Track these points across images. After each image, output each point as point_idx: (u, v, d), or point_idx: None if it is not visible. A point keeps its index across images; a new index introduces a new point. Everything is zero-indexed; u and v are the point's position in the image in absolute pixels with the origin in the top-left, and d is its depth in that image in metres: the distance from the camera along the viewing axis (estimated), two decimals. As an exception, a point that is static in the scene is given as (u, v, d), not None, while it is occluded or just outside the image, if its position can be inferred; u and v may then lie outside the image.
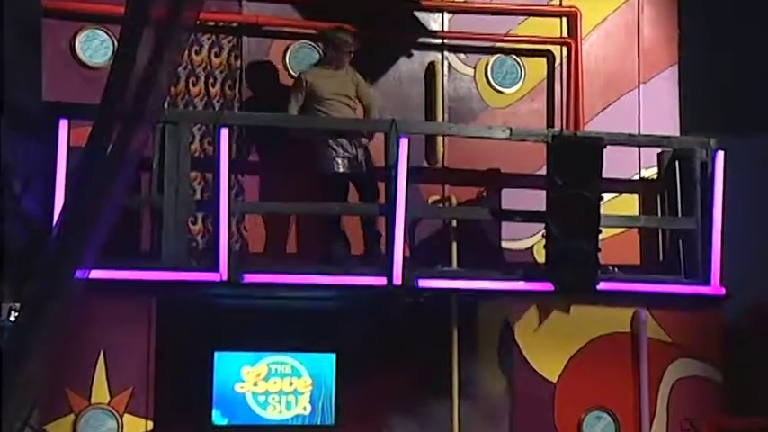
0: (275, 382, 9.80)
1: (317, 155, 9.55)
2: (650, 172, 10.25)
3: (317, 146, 9.55)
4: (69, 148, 8.59)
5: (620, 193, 10.15)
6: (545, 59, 10.52)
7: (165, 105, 9.02)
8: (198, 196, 9.47)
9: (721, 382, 9.69)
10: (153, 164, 9.04)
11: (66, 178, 8.55)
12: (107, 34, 9.53)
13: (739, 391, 9.62)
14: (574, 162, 9.31)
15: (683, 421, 9.58)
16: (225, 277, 8.96)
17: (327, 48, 9.76)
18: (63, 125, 8.66)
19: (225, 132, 9.07)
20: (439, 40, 10.32)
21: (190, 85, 9.73)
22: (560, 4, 10.52)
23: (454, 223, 9.98)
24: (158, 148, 9.01)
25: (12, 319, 7.95)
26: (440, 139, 10.09)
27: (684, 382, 9.67)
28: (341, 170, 9.49)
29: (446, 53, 10.33)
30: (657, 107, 10.39)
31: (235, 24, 9.93)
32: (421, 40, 10.28)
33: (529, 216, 9.76)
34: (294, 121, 9.71)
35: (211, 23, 9.78)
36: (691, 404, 9.63)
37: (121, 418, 8.84)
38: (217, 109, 9.70)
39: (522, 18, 10.46)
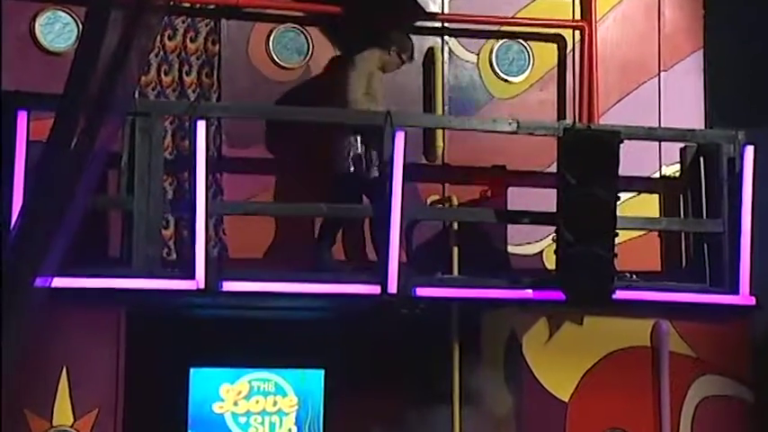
0: (257, 402, 9.86)
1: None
2: (672, 169, 10.33)
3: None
4: (29, 142, 8.60)
5: (639, 192, 10.23)
6: (555, 45, 10.62)
7: (136, 95, 9.08)
8: (170, 197, 9.55)
9: (751, 402, 9.74)
10: (122, 161, 9.08)
11: (25, 175, 8.54)
12: (71, 16, 9.67)
13: None
14: (587, 158, 9.30)
15: None
16: (202, 285, 8.98)
17: (390, 50, 9.82)
18: (22, 117, 8.66)
19: (202, 125, 9.09)
20: (438, 24, 10.40)
21: (162, 73, 9.79)
22: (573, -17, 10.67)
23: (455, 226, 10.03)
24: (128, 144, 9.06)
25: None
26: (439, 132, 10.19)
27: (710, 401, 9.69)
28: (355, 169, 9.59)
29: (446, 38, 10.42)
30: (680, 97, 10.52)
31: (212, 6, 9.99)
32: (419, 23, 10.34)
33: (538, 218, 9.77)
34: (278, 112, 9.80)
35: (186, 5, 9.86)
36: (717, 426, 9.65)
37: None
38: (192, 99, 9.73)
39: (530, -1, 10.58)
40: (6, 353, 7.34)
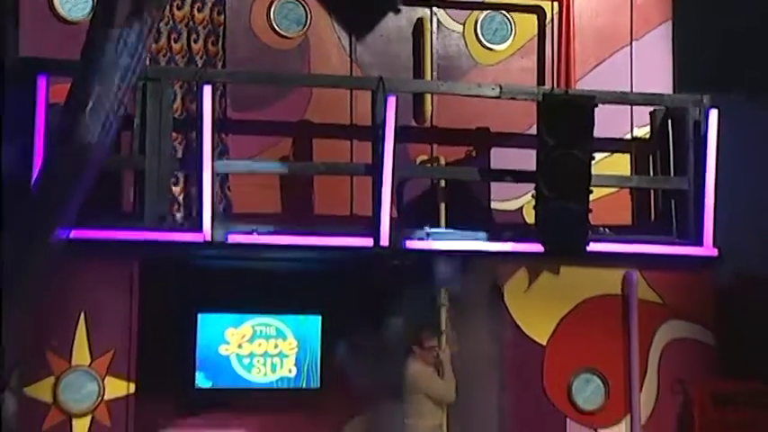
0: (260, 344, 9.89)
1: None
2: (642, 131, 10.32)
3: None
4: (48, 105, 8.60)
5: (612, 152, 10.22)
6: (536, 15, 10.54)
7: (147, 62, 8.97)
8: (180, 156, 9.48)
9: (713, 345, 9.77)
10: (134, 123, 9.05)
11: (45, 135, 8.56)
12: (87, -12, 9.57)
13: (731, 353, 9.70)
14: (565, 121, 9.33)
15: (674, 384, 9.65)
16: (208, 238, 9.02)
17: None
18: (42, 81, 8.66)
19: (208, 89, 9.12)
20: (428, -4, 10.34)
21: (172, 41, 9.74)
22: (551, -42, 10.55)
23: (442, 183, 10.02)
24: (140, 107, 9.03)
25: None
26: (428, 97, 10.14)
27: (675, 344, 9.74)
28: None
29: (435, 9, 10.33)
30: (650, 65, 10.43)
31: (218, -22, 9.96)
32: (409, -4, 10.32)
33: (518, 176, 9.80)
34: (278, 78, 9.77)
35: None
36: (682, 366, 9.69)
37: (103, 381, 8.87)
38: (199, 66, 9.69)
39: (511, -28, 10.49)
40: (28, 300, 7.43)
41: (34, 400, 8.70)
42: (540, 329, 9.60)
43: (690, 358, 9.69)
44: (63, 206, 7.34)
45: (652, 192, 10.15)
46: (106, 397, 8.86)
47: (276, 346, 9.91)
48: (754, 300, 10.01)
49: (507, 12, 10.45)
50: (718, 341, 9.75)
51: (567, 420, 9.56)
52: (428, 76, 10.14)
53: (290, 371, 9.93)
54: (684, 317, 9.75)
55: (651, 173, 10.13)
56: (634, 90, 10.24)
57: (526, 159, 9.62)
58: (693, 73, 10.32)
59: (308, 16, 10.10)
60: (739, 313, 9.89)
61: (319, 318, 9.97)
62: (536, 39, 10.46)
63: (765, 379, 9.41)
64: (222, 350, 9.82)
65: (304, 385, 9.95)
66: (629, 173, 10.24)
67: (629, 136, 10.29)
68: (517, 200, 10.12)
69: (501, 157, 10.07)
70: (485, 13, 10.42)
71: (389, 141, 9.24)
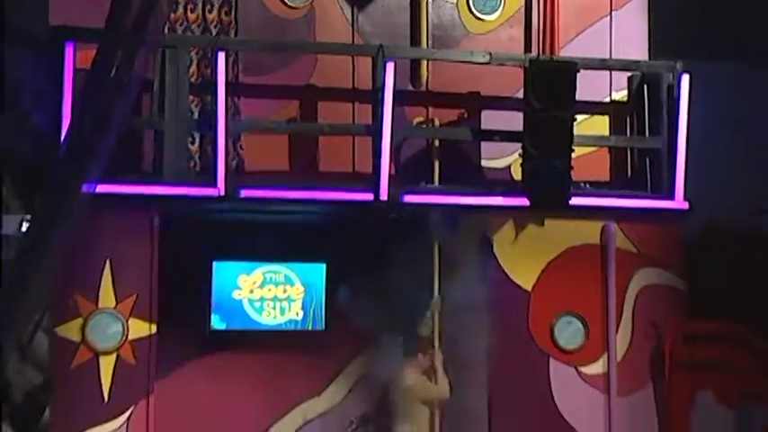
0: (270, 290, 9.88)
1: None
2: (620, 94, 10.26)
3: None
4: (76, 70, 8.60)
5: (592, 114, 10.16)
6: (523, -12, 10.45)
7: (166, 30, 9.05)
8: (196, 117, 9.45)
9: (683, 290, 9.81)
10: (154, 86, 9.06)
11: (72, 98, 8.57)
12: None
13: (700, 298, 9.73)
14: (549, 85, 9.34)
15: (647, 325, 9.71)
16: (222, 192, 9.05)
17: None
18: (69, 48, 8.67)
19: (222, 56, 9.12)
20: (424, -31, 10.25)
21: (188, 11, 9.64)
22: (536, -67, 10.39)
23: (437, 143, 9.99)
24: (159, 72, 9.03)
25: (23, 229, 7.99)
26: (424, 63, 10.04)
27: (649, 289, 9.79)
28: None
29: (430, -18, 10.27)
30: (628, 33, 10.33)
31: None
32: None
33: (507, 136, 9.79)
34: (285, 46, 9.74)
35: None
36: (654, 310, 9.75)
37: (127, 321, 8.95)
38: (214, 34, 9.64)
39: (499, -53, 10.37)
40: (59, 248, 7.50)
41: (64, 338, 8.78)
42: (525, 276, 9.66)
43: (662, 302, 9.75)
44: (89, 163, 7.36)
45: (628, 150, 10.14)
46: (130, 337, 8.94)
47: (284, 291, 9.90)
48: (722, 248, 9.95)
49: (497, -16, 10.36)
50: (688, 286, 9.79)
51: (550, 359, 9.62)
52: (424, 44, 10.05)
53: (297, 314, 9.93)
54: (657, 264, 9.79)
55: (628, 133, 10.13)
56: (613, 57, 10.15)
57: (514, 121, 9.63)
58: (668, 41, 10.19)
59: (315, -13, 10.00)
60: (707, 261, 9.83)
61: (324, 265, 9.93)
62: (523, 10, 10.34)
63: (732, 319, 9.45)
64: (235, 295, 9.80)
65: (310, 327, 9.93)
66: (607, 133, 10.21)
67: (608, 99, 10.24)
68: (505, 158, 10.08)
69: (491, 119, 10.04)
70: (476, -15, 10.34)
71: (388, 104, 9.26)
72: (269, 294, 9.88)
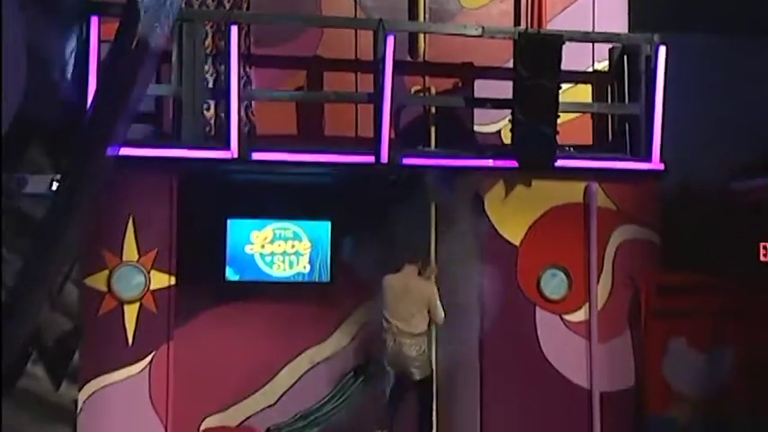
0: (279, 245, 9.96)
1: None
2: (602, 65, 10.25)
3: None
4: (100, 42, 8.61)
5: (576, 83, 10.15)
6: (513, -34, 10.37)
7: (183, 5, 8.97)
8: (211, 86, 9.45)
9: (659, 245, 9.82)
10: (172, 57, 9.06)
11: (97, 68, 8.59)
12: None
13: (674, 252, 9.73)
14: (537, 56, 9.36)
15: (626, 278, 9.73)
16: (235, 155, 9.09)
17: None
18: (94, 21, 8.69)
19: (234, 29, 9.13)
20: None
21: None
22: None
23: (433, 110, 10.01)
24: (177, 44, 9.04)
25: (53, 188, 8.05)
26: (421, 36, 10.05)
27: (627, 244, 9.80)
28: None
29: (428, -39, 10.19)
30: (609, 8, 10.28)
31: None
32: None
33: (497, 103, 9.80)
34: (293, 19, 9.73)
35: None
36: (632, 263, 9.76)
37: (149, 273, 9.02)
38: (227, 8, 9.60)
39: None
40: (86, 206, 7.57)
41: (92, 289, 8.86)
42: (514, 232, 9.68)
43: (639, 256, 9.76)
44: (113, 128, 7.38)
45: (609, 116, 10.12)
46: (152, 287, 9.01)
47: (293, 246, 9.97)
48: (695, 206, 9.95)
49: (489, -37, 10.28)
50: (663, 241, 9.79)
51: (536, 308, 9.66)
52: (421, 18, 10.04)
53: (304, 267, 10.00)
54: (635, 221, 9.81)
55: (609, 100, 10.12)
56: (595, 30, 10.13)
57: (504, 89, 9.63)
58: (646, 15, 10.16)
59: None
60: (681, 218, 9.84)
61: (329, 223, 10.01)
62: (513, -15, 10.29)
63: (703, 272, 9.46)
64: (248, 249, 9.89)
65: (316, 279, 10.02)
66: (590, 100, 10.20)
67: (590, 69, 10.22)
68: (496, 123, 10.07)
69: (483, 87, 10.04)
70: (470, -36, 10.26)
71: (388, 74, 9.27)
72: (278, 249, 9.96)
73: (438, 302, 9.27)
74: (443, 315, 9.31)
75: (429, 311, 9.26)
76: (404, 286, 9.28)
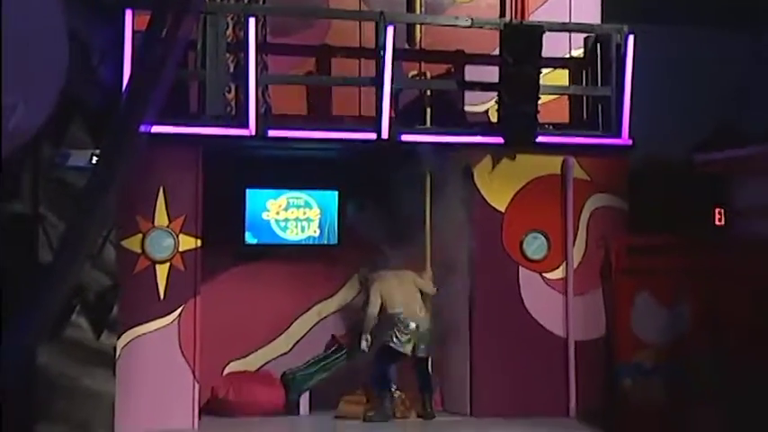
0: (292, 212, 10.03)
1: None
2: (578, 52, 10.19)
3: None
4: (134, 32, 8.61)
5: (555, 68, 10.11)
6: (498, -37, 10.30)
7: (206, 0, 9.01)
8: (231, 71, 9.40)
9: (626, 209, 9.85)
10: (197, 46, 9.05)
11: (131, 55, 8.60)
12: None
13: (641, 217, 9.76)
14: (520, 44, 9.37)
15: (598, 240, 9.76)
16: (253, 132, 9.11)
17: None
18: (128, 13, 8.70)
19: (252, 21, 9.14)
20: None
21: None
22: None
23: (428, 92, 9.99)
24: (201, 34, 9.02)
25: (94, 161, 8.08)
26: (418, 26, 10.02)
27: (599, 210, 9.82)
28: None
29: (423, -42, 10.12)
30: (584, 1, 10.20)
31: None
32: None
33: (485, 86, 9.81)
34: (306, 12, 9.69)
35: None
36: (604, 227, 9.77)
37: (178, 237, 9.06)
38: (246, 2, 9.58)
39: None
40: (123, 177, 7.53)
41: (128, 250, 8.91)
42: (500, 200, 9.71)
43: (610, 221, 9.78)
44: (145, 108, 7.33)
45: (584, 97, 10.10)
46: (180, 249, 9.04)
47: (305, 213, 10.02)
48: (659, 177, 9.90)
49: (477, -39, 10.20)
50: (631, 208, 9.82)
51: (520, 267, 9.70)
52: (418, 11, 10.00)
53: (315, 231, 10.05)
54: (607, 191, 9.83)
55: (584, 83, 10.08)
56: (572, 21, 10.09)
57: (491, 74, 9.64)
58: (617, 8, 10.14)
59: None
60: (647, 187, 9.85)
61: (336, 192, 10.06)
62: (499, -18, 10.23)
63: (667, 234, 9.43)
64: (264, 216, 9.94)
65: (326, 242, 10.08)
66: (567, 84, 10.17)
67: (567, 56, 10.19)
68: (484, 104, 10.04)
69: (472, 72, 10.03)
70: (460, -38, 10.19)
71: (388, 60, 9.29)
72: (292, 215, 10.02)
73: (424, 279, 9.50)
74: (432, 286, 9.56)
75: (420, 291, 9.48)
76: (395, 275, 9.53)
